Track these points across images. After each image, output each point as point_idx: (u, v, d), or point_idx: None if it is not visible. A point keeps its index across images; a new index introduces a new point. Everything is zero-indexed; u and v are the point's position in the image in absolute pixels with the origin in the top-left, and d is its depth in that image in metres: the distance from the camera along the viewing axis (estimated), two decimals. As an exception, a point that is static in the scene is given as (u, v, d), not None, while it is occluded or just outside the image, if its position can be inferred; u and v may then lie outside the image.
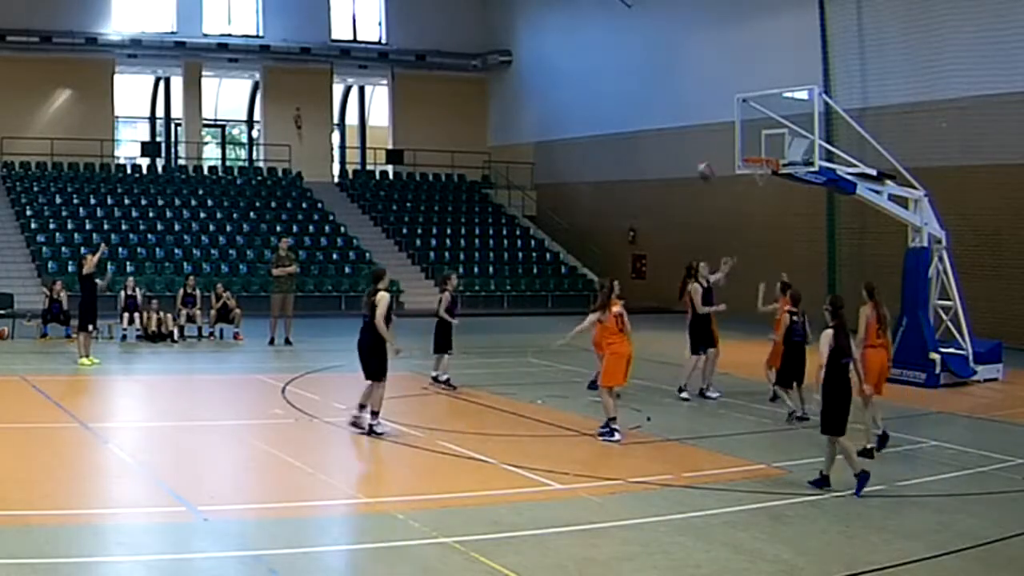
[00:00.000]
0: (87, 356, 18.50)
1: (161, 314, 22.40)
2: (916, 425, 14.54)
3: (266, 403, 14.84)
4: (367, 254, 33.53)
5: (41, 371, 17.79)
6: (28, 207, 32.16)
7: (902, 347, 18.01)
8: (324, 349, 21.35)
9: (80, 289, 19.18)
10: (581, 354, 17.23)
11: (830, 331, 10.24)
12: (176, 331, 22.38)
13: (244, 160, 40.81)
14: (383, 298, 12.63)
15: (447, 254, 34.67)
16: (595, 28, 35.34)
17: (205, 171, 37.59)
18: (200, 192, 35.08)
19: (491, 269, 34.45)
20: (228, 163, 40.10)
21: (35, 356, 19.71)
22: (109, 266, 28.82)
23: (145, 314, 22.26)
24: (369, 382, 12.72)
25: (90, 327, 18.82)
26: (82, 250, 29.68)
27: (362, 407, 12.80)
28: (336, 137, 41.55)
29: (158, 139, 39.18)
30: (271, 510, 9.75)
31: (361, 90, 42.32)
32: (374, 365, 12.65)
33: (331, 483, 10.99)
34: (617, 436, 12.65)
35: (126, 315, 22.20)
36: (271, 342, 22.21)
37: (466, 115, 40.13)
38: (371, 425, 12.62)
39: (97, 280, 19.32)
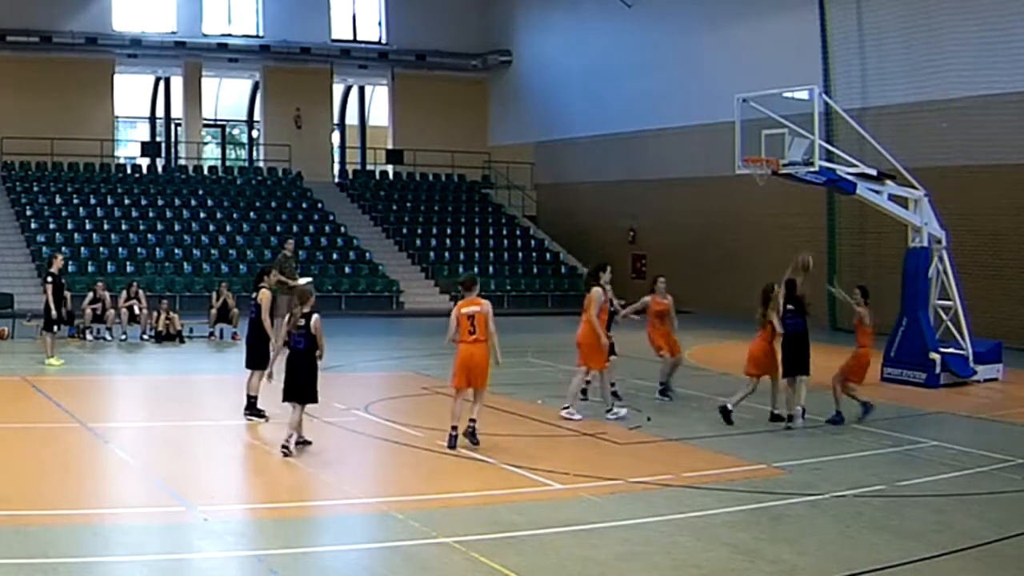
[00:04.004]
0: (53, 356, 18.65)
1: (170, 314, 22.62)
2: (916, 425, 14.54)
3: (266, 403, 14.81)
4: (367, 254, 33.54)
5: (41, 371, 17.81)
6: (28, 207, 32.17)
7: (902, 347, 18.03)
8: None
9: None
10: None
11: None
12: (184, 331, 22.68)
13: (244, 160, 40.82)
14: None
15: (447, 254, 34.67)
16: (596, 28, 35.33)
17: (205, 171, 37.60)
18: (200, 192, 35.08)
19: (491, 269, 34.43)
20: (228, 163, 40.12)
21: (35, 356, 19.68)
22: (109, 266, 28.94)
23: (155, 314, 22.52)
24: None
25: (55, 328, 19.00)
26: (82, 251, 29.84)
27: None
28: (336, 137, 41.55)
29: (158, 139, 39.20)
30: (271, 510, 9.76)
31: (361, 90, 42.32)
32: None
33: (331, 483, 10.97)
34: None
35: (127, 315, 22.39)
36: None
37: (466, 115, 40.13)
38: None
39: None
